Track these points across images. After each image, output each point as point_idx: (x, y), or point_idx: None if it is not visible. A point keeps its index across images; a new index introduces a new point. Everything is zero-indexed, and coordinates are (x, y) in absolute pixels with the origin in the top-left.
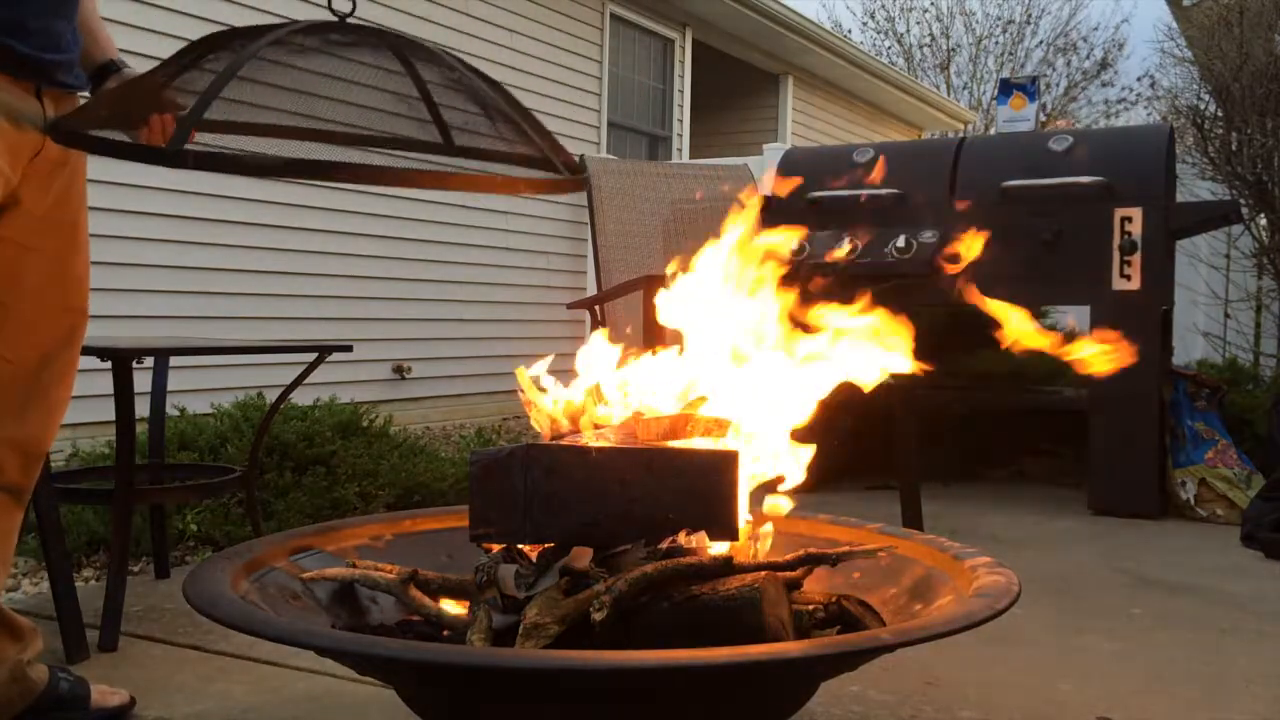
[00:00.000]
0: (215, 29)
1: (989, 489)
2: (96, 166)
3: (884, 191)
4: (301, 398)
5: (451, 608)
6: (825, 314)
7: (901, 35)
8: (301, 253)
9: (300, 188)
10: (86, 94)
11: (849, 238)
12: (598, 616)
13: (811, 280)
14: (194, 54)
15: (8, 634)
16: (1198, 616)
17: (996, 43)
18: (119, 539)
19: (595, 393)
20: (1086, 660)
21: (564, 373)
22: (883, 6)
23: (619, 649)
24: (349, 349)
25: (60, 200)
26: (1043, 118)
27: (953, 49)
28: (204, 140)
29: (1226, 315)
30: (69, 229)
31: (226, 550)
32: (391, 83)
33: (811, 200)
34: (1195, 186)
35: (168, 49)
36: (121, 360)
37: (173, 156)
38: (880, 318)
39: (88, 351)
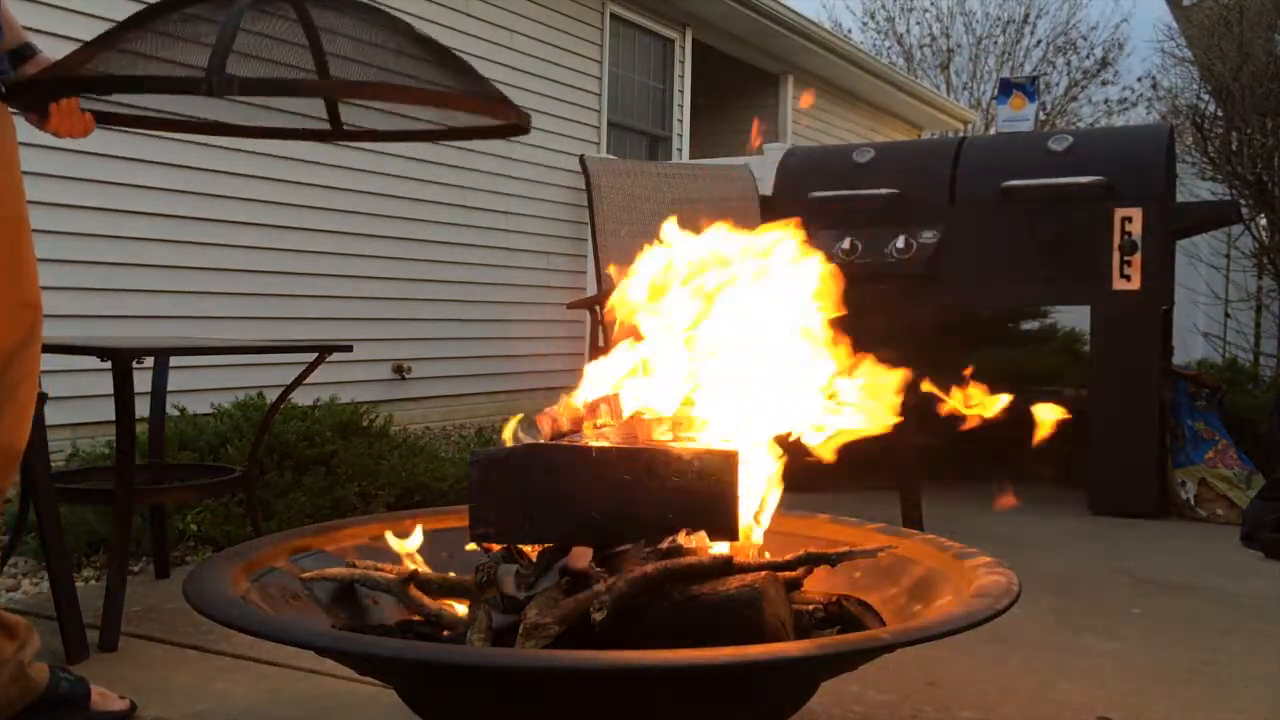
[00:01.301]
0: None
1: (989, 489)
2: (97, 167)
3: (884, 191)
4: (301, 398)
5: (451, 608)
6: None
7: (901, 35)
8: (301, 253)
9: (301, 188)
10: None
11: (849, 237)
12: (598, 616)
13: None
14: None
15: (3, 633)
16: (1198, 616)
17: (996, 43)
18: (119, 539)
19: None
20: (1086, 660)
21: (564, 373)
22: (883, 6)
23: (619, 649)
24: (349, 349)
25: (3, 195)
26: (1042, 117)
27: (953, 49)
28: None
29: (1226, 315)
30: (16, 224)
31: (226, 550)
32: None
33: (812, 200)
34: (1195, 186)
35: None
36: (121, 360)
37: (218, 84)
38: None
39: (88, 351)
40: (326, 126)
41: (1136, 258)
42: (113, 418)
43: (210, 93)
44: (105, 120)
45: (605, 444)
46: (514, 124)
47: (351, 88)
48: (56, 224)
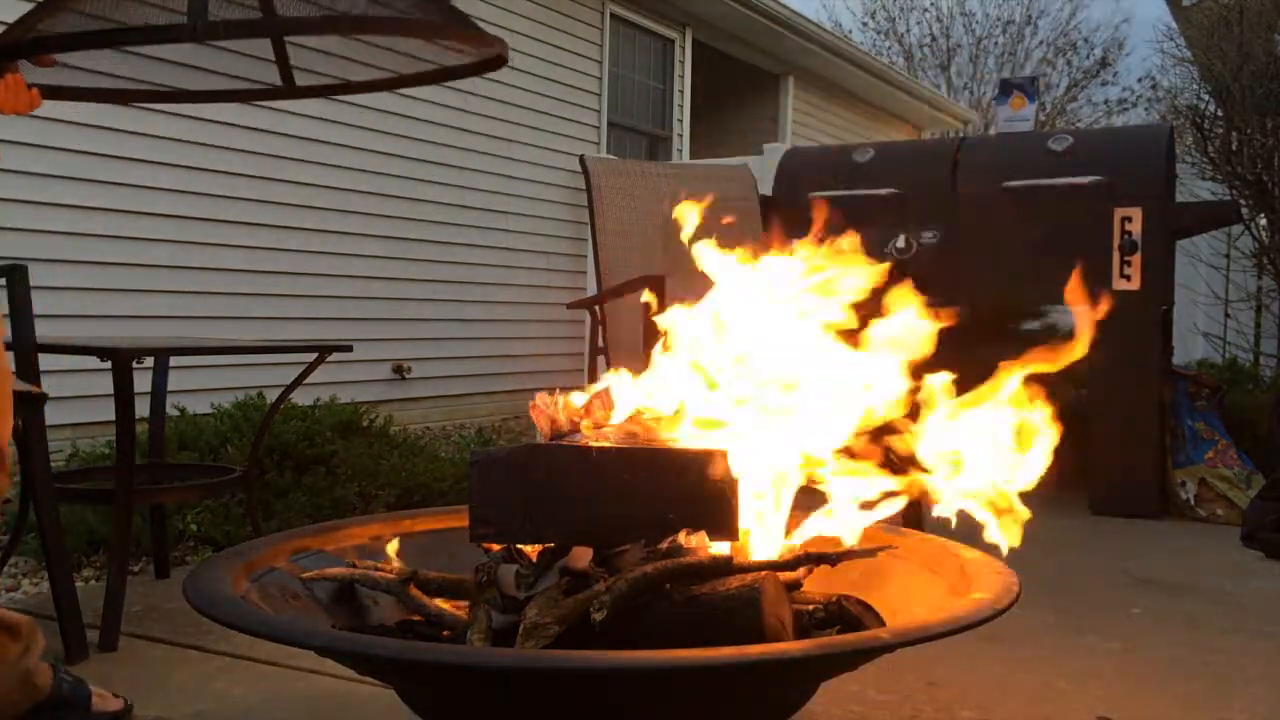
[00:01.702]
0: None
1: None
2: (96, 168)
3: (884, 191)
4: (301, 398)
5: (451, 608)
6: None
7: (901, 35)
8: (301, 253)
9: (300, 188)
10: None
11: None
12: (598, 616)
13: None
14: None
15: (5, 633)
16: (1198, 616)
17: (996, 43)
18: (119, 539)
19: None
20: (1086, 660)
21: (564, 373)
22: (883, 6)
23: (619, 649)
24: (349, 349)
25: None
26: (1042, 118)
27: (953, 49)
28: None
29: (1226, 315)
30: None
31: (226, 550)
32: None
33: (812, 200)
34: (1195, 186)
35: None
36: (121, 360)
37: (202, 29)
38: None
39: (88, 351)
40: (279, 84)
41: (1136, 258)
42: (113, 418)
43: (194, 39)
44: (51, 95)
45: (605, 444)
46: (492, 57)
47: (333, 23)
48: (56, 224)
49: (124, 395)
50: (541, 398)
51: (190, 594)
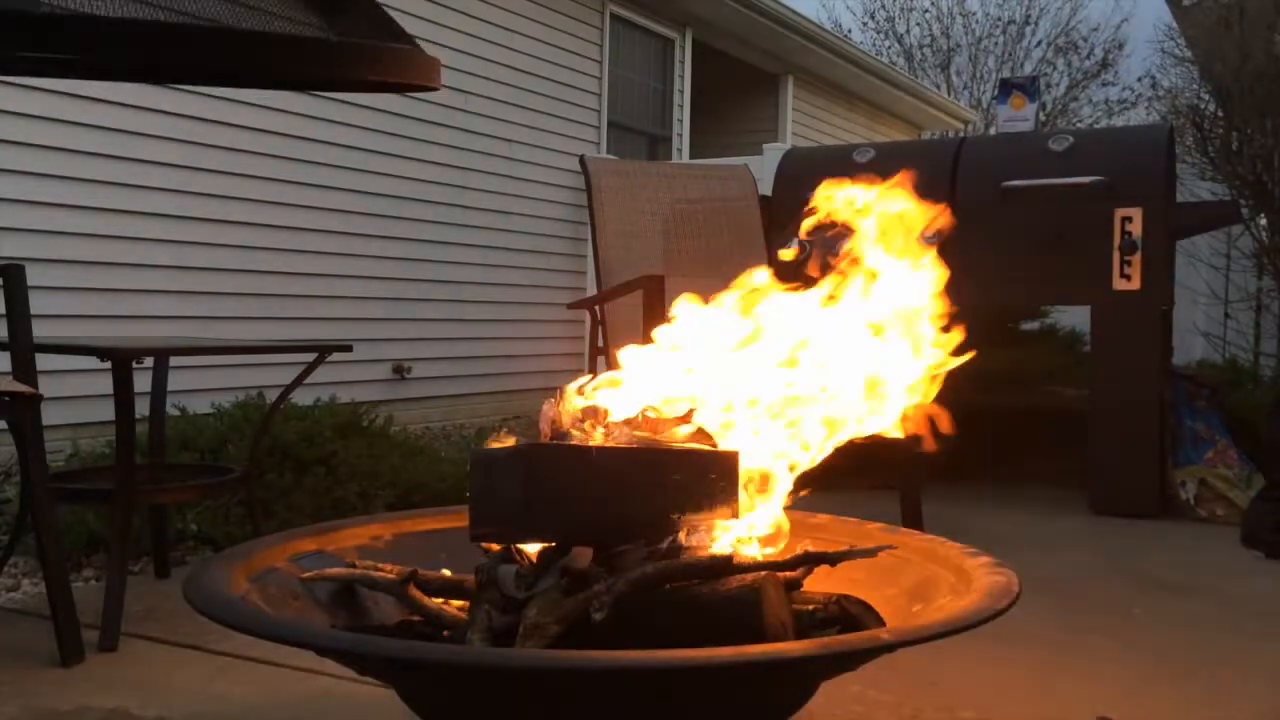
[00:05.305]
0: None
1: (989, 489)
2: (96, 167)
3: None
4: (301, 398)
5: (451, 608)
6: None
7: (901, 35)
8: (301, 253)
9: (301, 188)
10: None
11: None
12: (598, 616)
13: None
14: None
15: None
16: (1198, 616)
17: (996, 43)
18: (119, 539)
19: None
20: (1086, 660)
21: (564, 373)
22: (883, 6)
23: (619, 649)
24: (349, 349)
25: None
26: (1042, 118)
27: (953, 49)
28: None
29: (1226, 315)
30: None
31: (226, 550)
32: None
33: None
34: (1195, 186)
35: None
36: (121, 360)
37: None
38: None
39: (88, 351)
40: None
41: (1136, 258)
42: (113, 418)
43: None
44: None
45: (605, 444)
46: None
47: None
48: (56, 224)
49: (124, 395)
50: (549, 403)
51: (190, 594)
